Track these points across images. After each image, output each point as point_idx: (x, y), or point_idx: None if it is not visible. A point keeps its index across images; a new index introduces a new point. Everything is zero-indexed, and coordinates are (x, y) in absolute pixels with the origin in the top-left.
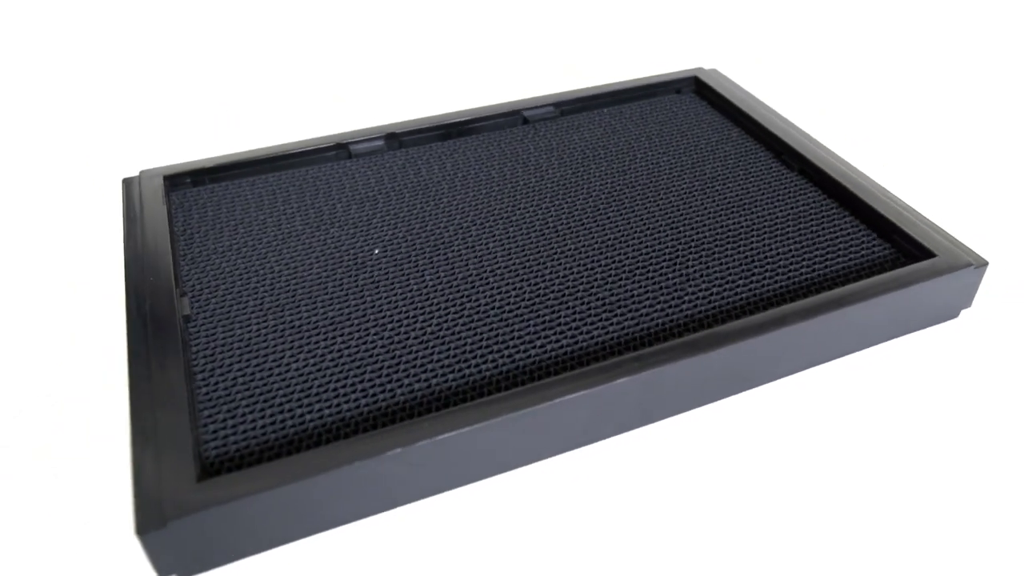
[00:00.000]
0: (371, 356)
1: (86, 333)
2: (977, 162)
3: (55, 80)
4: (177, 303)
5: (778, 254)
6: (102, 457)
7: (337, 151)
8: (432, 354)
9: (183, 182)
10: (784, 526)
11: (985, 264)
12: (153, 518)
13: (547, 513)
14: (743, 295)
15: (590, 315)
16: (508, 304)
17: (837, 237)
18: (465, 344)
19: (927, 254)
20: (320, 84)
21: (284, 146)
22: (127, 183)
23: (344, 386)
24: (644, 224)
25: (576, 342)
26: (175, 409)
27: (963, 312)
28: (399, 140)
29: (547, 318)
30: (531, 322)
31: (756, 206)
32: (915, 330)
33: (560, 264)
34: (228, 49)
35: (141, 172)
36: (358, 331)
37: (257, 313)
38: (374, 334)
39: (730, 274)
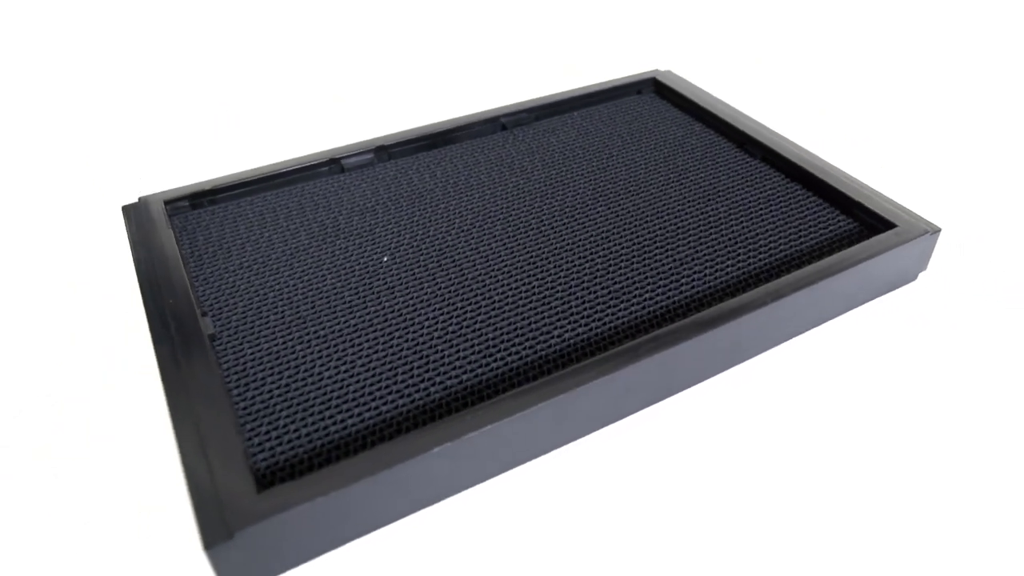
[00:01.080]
0: (400, 358)
1: (86, 333)
2: (915, 142)
3: (32, 108)
4: (201, 323)
5: (757, 234)
6: (102, 457)
7: (330, 166)
8: (458, 351)
9: (182, 206)
10: (793, 478)
11: (938, 230)
12: (219, 531)
13: (585, 492)
14: (733, 274)
15: (599, 302)
16: (521, 298)
17: (806, 216)
18: (487, 339)
19: (888, 225)
20: (292, 101)
21: (278, 164)
22: (127, 210)
23: (379, 388)
24: (631, 216)
25: (590, 329)
26: (220, 425)
27: (920, 275)
28: (388, 152)
29: (559, 308)
30: (545, 314)
31: (730, 192)
32: (882, 294)
33: (561, 258)
34: (201, 71)
35: (140, 198)
36: (383, 335)
37: (280, 327)
38: (399, 337)
39: (718, 256)
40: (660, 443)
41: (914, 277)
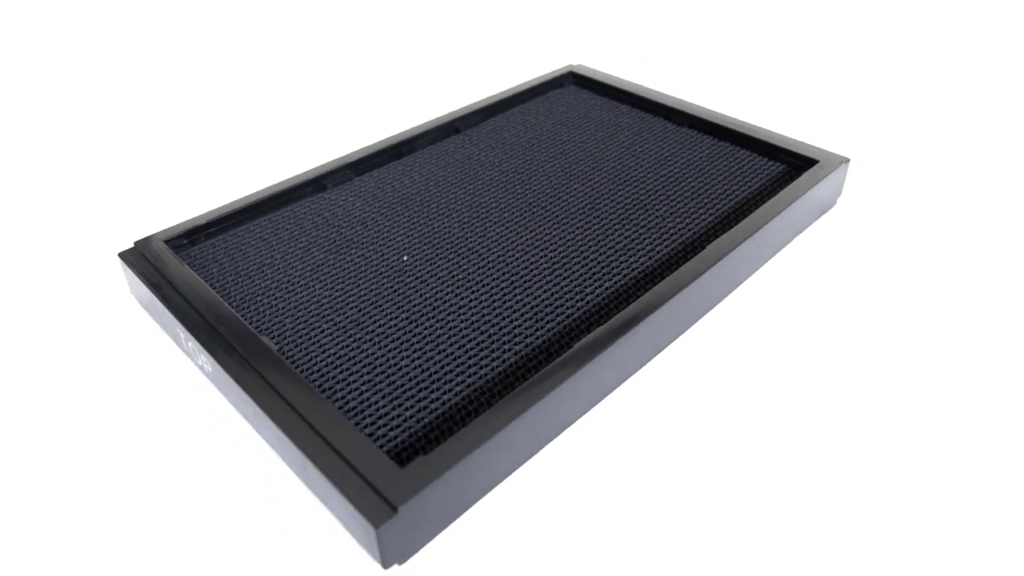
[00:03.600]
0: (466, 337)
1: (127, 377)
2: (800, 93)
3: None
4: (264, 341)
5: (713, 186)
6: (215, 483)
7: (313, 186)
8: (512, 322)
9: (181, 243)
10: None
11: (848, 160)
12: (383, 510)
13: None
14: (708, 220)
15: (611, 260)
16: (545, 269)
17: (744, 166)
18: (534, 306)
19: (811, 162)
20: (237, 128)
21: (261, 191)
22: (126, 255)
23: (460, 365)
24: (604, 187)
25: (616, 282)
26: (333, 424)
27: (839, 199)
28: (361, 166)
29: (581, 272)
30: (570, 278)
31: (675, 157)
32: (816, 219)
33: (563, 230)
34: (136, 113)
35: (136, 243)
36: (439, 322)
37: (338, 332)
38: (455, 319)
39: (689, 208)
40: (691, 374)
41: (835, 202)
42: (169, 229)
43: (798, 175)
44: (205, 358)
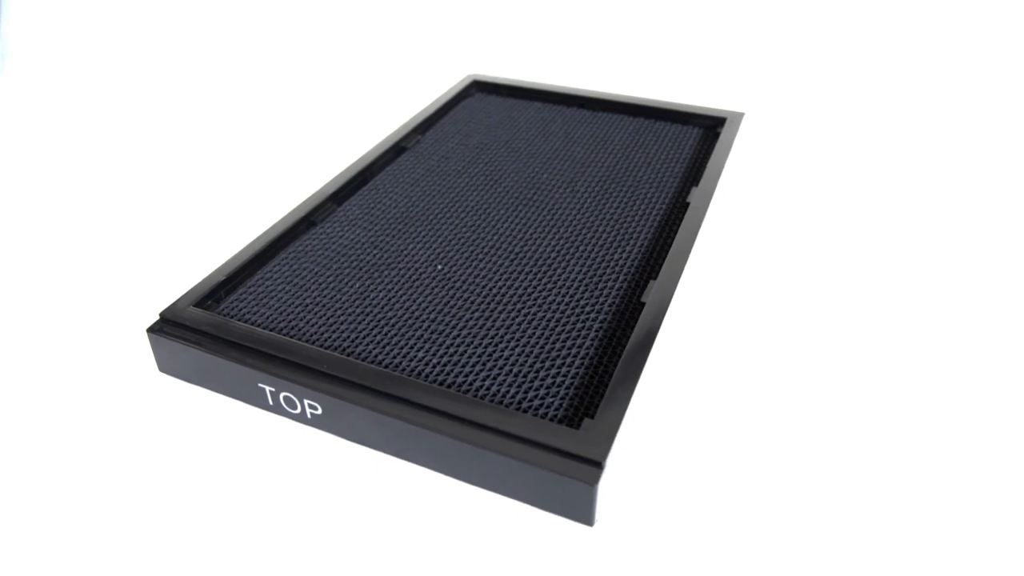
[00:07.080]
0: (545, 318)
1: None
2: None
3: None
4: (364, 367)
5: (657, 154)
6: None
7: (306, 223)
8: (574, 296)
9: (207, 304)
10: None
11: (743, 114)
12: (592, 469)
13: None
14: (673, 181)
15: (619, 227)
16: (569, 248)
17: (670, 133)
18: (582, 280)
19: (720, 121)
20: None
21: (261, 238)
22: (158, 328)
23: (555, 343)
24: (569, 174)
25: (635, 244)
26: (489, 414)
27: (740, 141)
28: (339, 197)
29: (598, 243)
30: (594, 250)
31: (611, 137)
32: (735, 161)
33: (559, 215)
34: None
35: (162, 313)
36: (513, 312)
37: (429, 344)
38: (524, 306)
39: (650, 174)
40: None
41: (741, 150)
42: (189, 293)
43: (715, 133)
44: (312, 402)
